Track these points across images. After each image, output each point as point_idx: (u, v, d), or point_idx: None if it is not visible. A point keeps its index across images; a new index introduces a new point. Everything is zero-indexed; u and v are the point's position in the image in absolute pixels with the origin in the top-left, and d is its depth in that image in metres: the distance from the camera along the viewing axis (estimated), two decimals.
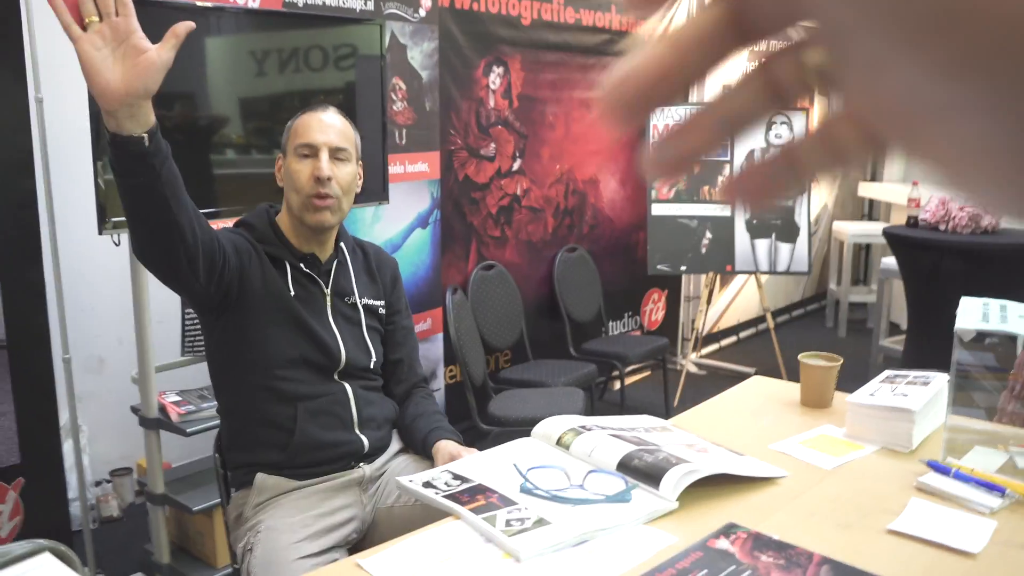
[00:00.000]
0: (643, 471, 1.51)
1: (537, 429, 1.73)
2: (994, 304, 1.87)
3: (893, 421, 1.75)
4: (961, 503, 1.51)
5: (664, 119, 4.94)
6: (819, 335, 6.45)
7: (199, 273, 1.65)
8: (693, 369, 5.45)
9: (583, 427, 1.70)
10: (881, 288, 5.17)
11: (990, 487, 1.53)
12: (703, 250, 4.92)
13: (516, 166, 4.48)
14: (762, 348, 5.83)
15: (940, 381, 1.88)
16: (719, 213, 4.92)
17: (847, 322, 6.47)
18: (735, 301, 6.20)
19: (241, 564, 1.82)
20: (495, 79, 4.30)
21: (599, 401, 4.69)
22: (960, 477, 1.57)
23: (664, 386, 4.80)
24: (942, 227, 4.19)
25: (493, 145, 4.33)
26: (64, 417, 2.87)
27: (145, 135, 1.39)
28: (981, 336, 1.76)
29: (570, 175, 4.83)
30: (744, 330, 6.37)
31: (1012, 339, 1.84)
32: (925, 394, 1.82)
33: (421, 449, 1.96)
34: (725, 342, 6.17)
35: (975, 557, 1.34)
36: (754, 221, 4.96)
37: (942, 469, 1.61)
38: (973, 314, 1.76)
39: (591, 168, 4.95)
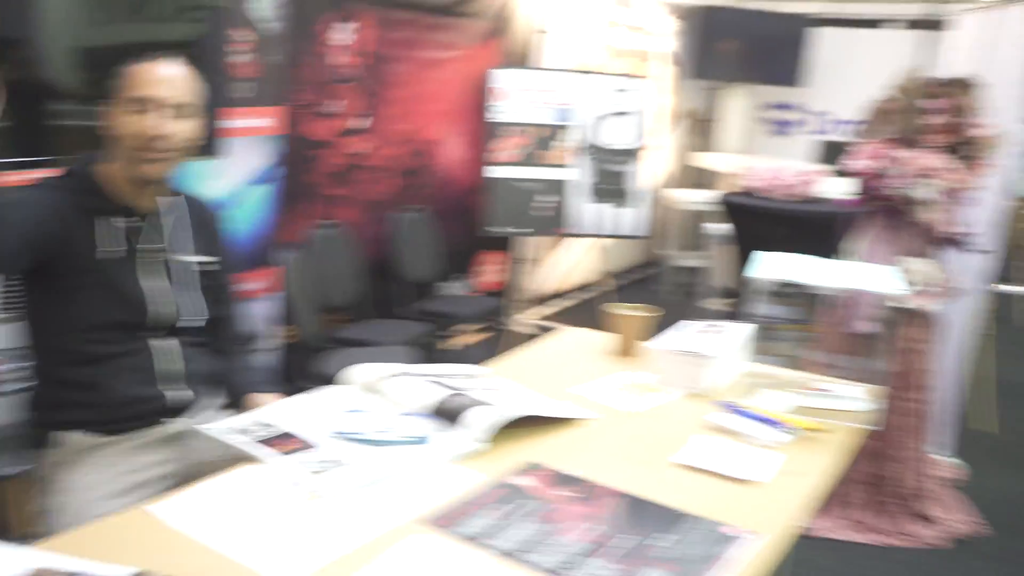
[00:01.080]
0: (452, 414, 1.55)
1: (352, 376, 1.74)
2: (791, 258, 2.00)
3: (691, 366, 1.85)
4: (748, 439, 1.62)
5: (511, 81, 4.98)
6: (652, 298, 6.68)
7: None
8: (528, 330, 5.56)
9: (398, 374, 1.72)
10: (711, 253, 5.41)
11: (771, 423, 1.65)
12: (540, 213, 5.01)
13: (361, 124, 4.42)
14: (597, 311, 6.00)
15: (743, 330, 2.00)
16: (556, 176, 5.02)
17: (679, 285, 6.76)
18: (572, 264, 6.35)
19: (46, 524, 1.75)
20: (344, 35, 4.22)
21: (432, 361, 4.72)
22: (746, 415, 1.69)
23: (498, 346, 4.88)
24: (769, 195, 4.43)
25: (340, 102, 4.26)
26: None
27: None
28: (784, 290, 1.88)
29: (415, 135, 4.80)
30: (580, 293, 6.53)
31: (812, 294, 1.97)
32: (724, 341, 1.93)
33: (239, 403, 1.93)
34: (560, 304, 6.31)
35: (757, 485, 1.45)
36: (593, 185, 5.08)
37: (734, 409, 1.72)
38: (768, 266, 1.88)
39: (435, 129, 4.94)
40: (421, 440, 1.49)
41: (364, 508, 1.28)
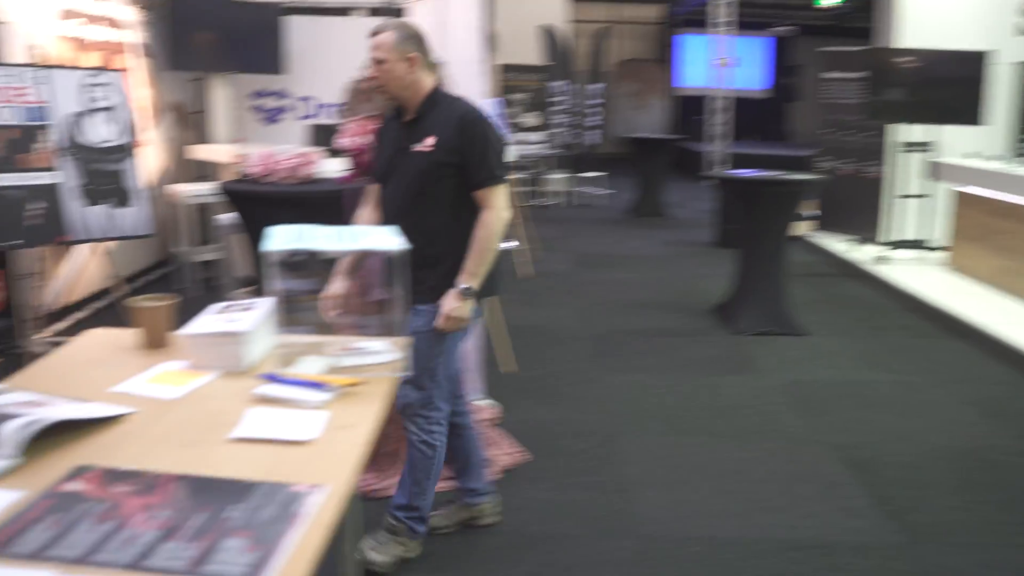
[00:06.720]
0: None
1: None
2: (298, 229, 2.08)
3: (225, 345, 1.90)
4: (295, 404, 1.73)
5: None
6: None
7: None
8: (44, 350, 5.05)
9: None
10: (226, 244, 5.34)
11: (312, 385, 1.78)
12: (32, 222, 4.55)
13: None
14: (116, 318, 5.64)
15: (266, 305, 2.07)
16: (42, 181, 4.59)
17: (199, 280, 6.59)
18: (79, 273, 5.87)
19: None
20: None
21: None
22: (288, 382, 1.79)
23: (16, 371, 4.35)
24: (270, 179, 4.51)
25: None
26: None
27: None
28: (299, 261, 1.99)
29: None
30: (94, 303, 6.08)
31: (325, 263, 2.07)
32: (250, 318, 1.99)
33: None
34: (75, 317, 5.83)
35: (313, 443, 1.56)
36: (83, 186, 4.73)
37: (275, 379, 1.81)
38: (280, 239, 1.96)
39: None
40: None
41: None
